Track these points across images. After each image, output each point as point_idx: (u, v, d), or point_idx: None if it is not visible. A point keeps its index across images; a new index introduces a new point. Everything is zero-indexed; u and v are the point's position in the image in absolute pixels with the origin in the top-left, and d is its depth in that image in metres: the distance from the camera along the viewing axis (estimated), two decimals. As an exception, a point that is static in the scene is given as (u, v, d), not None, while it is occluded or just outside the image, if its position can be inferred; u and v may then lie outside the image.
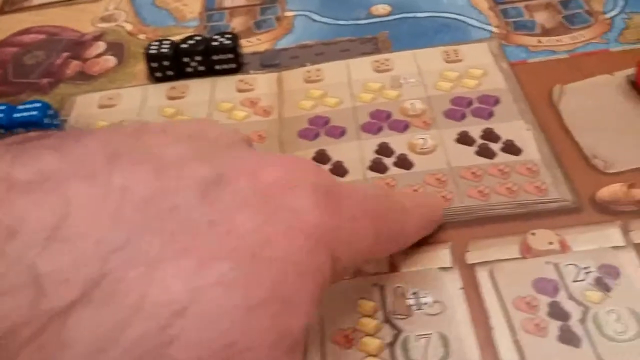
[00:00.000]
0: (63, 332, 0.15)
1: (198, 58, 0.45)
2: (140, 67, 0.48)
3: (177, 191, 0.18)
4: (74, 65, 0.49)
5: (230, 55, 0.45)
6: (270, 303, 0.17)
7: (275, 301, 0.18)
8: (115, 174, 0.18)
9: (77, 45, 0.52)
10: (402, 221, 0.26)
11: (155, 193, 0.18)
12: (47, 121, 0.41)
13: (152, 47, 0.45)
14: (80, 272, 0.15)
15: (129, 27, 0.54)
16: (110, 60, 0.50)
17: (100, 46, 0.51)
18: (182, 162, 0.19)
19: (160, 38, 0.48)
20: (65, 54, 0.51)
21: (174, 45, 0.45)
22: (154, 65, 0.45)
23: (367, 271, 0.30)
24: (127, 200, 0.17)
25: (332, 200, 0.21)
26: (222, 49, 0.45)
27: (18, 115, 0.40)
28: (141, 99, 0.44)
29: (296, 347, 0.18)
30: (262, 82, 0.45)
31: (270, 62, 0.47)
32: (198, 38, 0.46)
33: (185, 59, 0.45)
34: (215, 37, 0.45)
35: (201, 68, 0.46)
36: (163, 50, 0.45)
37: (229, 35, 0.45)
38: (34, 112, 0.40)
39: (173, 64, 0.45)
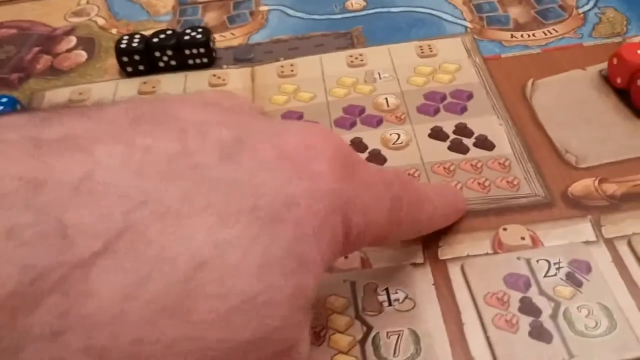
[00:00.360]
0: (87, 281, 0.15)
1: (169, 52, 0.44)
2: (111, 62, 0.47)
3: (199, 151, 0.18)
4: (45, 60, 0.48)
5: (202, 50, 0.44)
6: (286, 261, 0.18)
7: (291, 259, 0.18)
8: (138, 135, 0.18)
9: (48, 40, 0.51)
10: (420, 205, 0.26)
11: (178, 152, 0.18)
12: (13, 117, 0.40)
13: (122, 42, 0.44)
14: (104, 225, 0.16)
15: (100, 21, 0.52)
16: (81, 55, 0.48)
17: (72, 41, 0.50)
18: (203, 125, 0.19)
19: (132, 32, 0.47)
20: (35, 49, 0.50)
21: (145, 40, 0.44)
22: (125, 59, 0.44)
23: (339, 267, 0.30)
24: (150, 158, 0.18)
25: (349, 168, 0.21)
26: (194, 43, 0.44)
27: (-17, 110, 0.39)
28: (112, 94, 0.44)
29: (308, 305, 0.19)
30: (235, 77, 0.44)
31: (243, 56, 0.46)
32: (169, 32, 0.45)
33: (157, 54, 0.44)
34: (187, 31, 0.45)
35: (173, 62, 0.45)
36: (134, 44, 0.44)
37: (200, 30, 0.45)
38: (1, 108, 0.39)
39: (144, 58, 0.44)
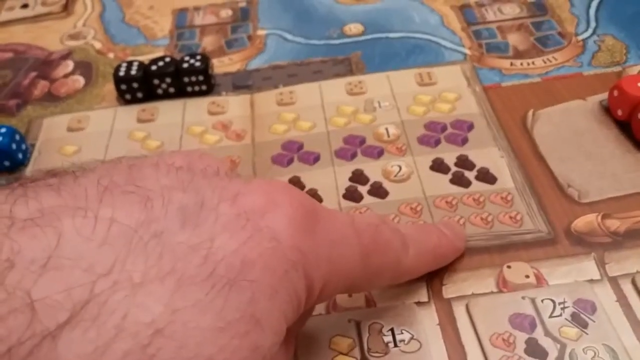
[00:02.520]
0: (54, 351, 0.17)
1: (168, 80, 0.44)
2: (109, 88, 0.47)
3: (162, 218, 0.20)
4: (42, 86, 0.48)
5: (200, 77, 0.44)
6: (242, 323, 0.19)
7: (247, 321, 0.19)
8: (105, 207, 0.19)
9: (45, 65, 0.50)
10: (398, 253, 0.26)
11: (141, 221, 0.19)
12: (14, 147, 0.39)
13: (120, 69, 0.44)
14: (69, 298, 0.17)
15: (97, 45, 0.52)
16: (79, 81, 0.48)
17: (69, 65, 0.50)
18: (169, 191, 0.21)
19: (130, 59, 0.47)
20: (32, 74, 0.49)
21: (143, 67, 0.44)
22: (123, 87, 0.44)
23: (343, 305, 0.30)
24: (115, 230, 0.19)
25: (310, 224, 0.22)
26: (192, 70, 0.44)
27: (-18, 141, 0.38)
28: (111, 122, 0.43)
29: None
30: (234, 105, 0.44)
31: (242, 83, 0.46)
32: (167, 59, 0.44)
33: (156, 81, 0.44)
34: (186, 58, 0.44)
35: (171, 90, 0.45)
36: (132, 72, 0.44)
37: (199, 57, 0.44)
38: (0, 138, 0.38)
39: (142, 85, 0.44)
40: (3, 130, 0.39)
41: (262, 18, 0.53)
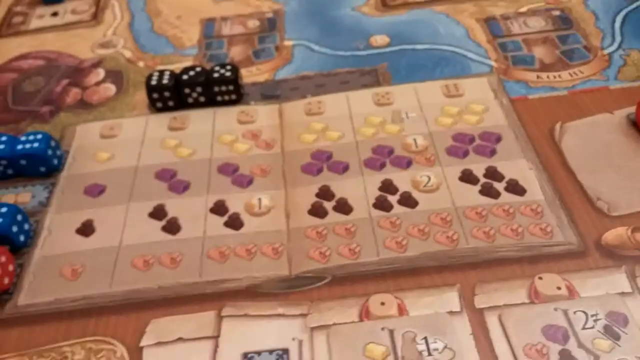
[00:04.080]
0: None
1: (199, 89, 0.45)
2: (140, 96, 0.48)
3: None
4: (74, 93, 0.49)
5: (230, 87, 0.45)
6: None
7: None
8: None
9: (76, 72, 0.51)
10: None
11: None
12: (50, 153, 0.40)
13: (153, 78, 0.45)
14: None
15: (127, 54, 0.53)
16: (110, 89, 0.49)
17: (100, 73, 0.51)
18: None
19: (161, 68, 0.48)
20: (64, 81, 0.50)
21: (175, 76, 0.45)
22: (155, 96, 0.45)
23: (375, 314, 0.30)
24: None
25: None
26: (222, 80, 0.45)
27: (20, 147, 0.39)
28: (143, 130, 0.44)
29: None
30: (263, 114, 0.45)
31: (270, 93, 0.47)
32: (198, 69, 0.45)
33: (187, 90, 0.45)
34: (216, 68, 0.45)
35: (202, 99, 0.45)
36: (164, 81, 0.45)
37: (229, 67, 0.45)
38: (36, 144, 0.39)
39: (174, 94, 0.45)
40: (39, 136, 0.40)
41: (289, 29, 0.54)
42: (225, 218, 0.37)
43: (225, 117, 0.45)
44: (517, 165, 0.38)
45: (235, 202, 0.38)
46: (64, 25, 0.59)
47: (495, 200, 0.35)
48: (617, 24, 0.50)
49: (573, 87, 0.44)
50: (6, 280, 0.33)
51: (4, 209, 0.35)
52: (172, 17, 0.58)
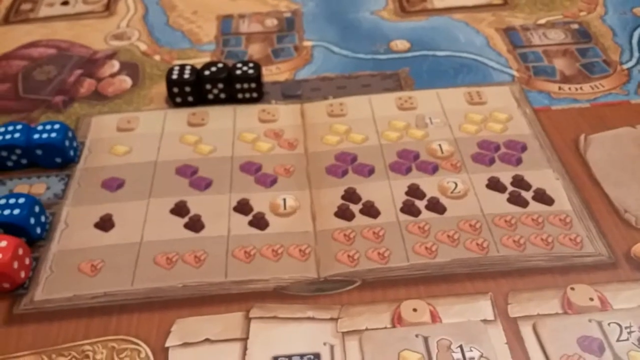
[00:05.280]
0: None
1: (220, 86, 0.44)
2: (156, 90, 0.47)
3: None
4: (88, 84, 0.48)
5: (252, 85, 0.44)
6: None
7: None
8: None
9: (90, 63, 0.50)
10: None
11: None
12: (67, 144, 0.39)
13: (173, 72, 0.44)
14: None
15: (143, 46, 0.52)
16: (126, 81, 0.48)
17: (114, 65, 0.50)
18: None
19: (179, 63, 0.47)
20: (77, 71, 0.49)
21: (196, 72, 0.44)
22: (175, 90, 0.44)
23: (409, 320, 0.30)
24: None
25: None
26: (245, 78, 0.44)
27: (37, 136, 0.38)
28: (161, 124, 0.43)
29: None
30: (284, 113, 0.44)
31: (291, 92, 0.47)
32: (220, 65, 0.45)
33: (208, 86, 0.44)
34: (239, 65, 0.45)
35: (222, 96, 0.45)
36: (185, 76, 0.44)
37: (252, 64, 0.45)
38: (54, 134, 0.38)
39: (194, 90, 0.44)
40: (57, 126, 0.39)
41: (308, 29, 0.54)
42: (249, 217, 0.36)
43: (246, 115, 0.44)
44: (543, 174, 0.38)
45: (260, 202, 0.37)
46: (75, 14, 0.58)
47: (524, 209, 0.35)
48: (635, 40, 0.50)
49: (595, 100, 0.44)
50: (22, 274, 0.32)
51: (21, 200, 0.33)
52: (187, 12, 0.57)
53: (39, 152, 0.38)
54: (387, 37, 0.53)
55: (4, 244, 0.31)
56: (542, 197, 0.36)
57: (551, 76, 0.47)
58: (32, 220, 0.34)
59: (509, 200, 0.36)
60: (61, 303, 0.31)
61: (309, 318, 0.30)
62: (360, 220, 0.35)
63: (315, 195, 0.37)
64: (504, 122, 0.42)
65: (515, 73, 0.47)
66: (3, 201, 0.33)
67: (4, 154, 0.38)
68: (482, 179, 0.38)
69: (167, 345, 0.29)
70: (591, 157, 0.39)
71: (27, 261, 0.32)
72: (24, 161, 0.39)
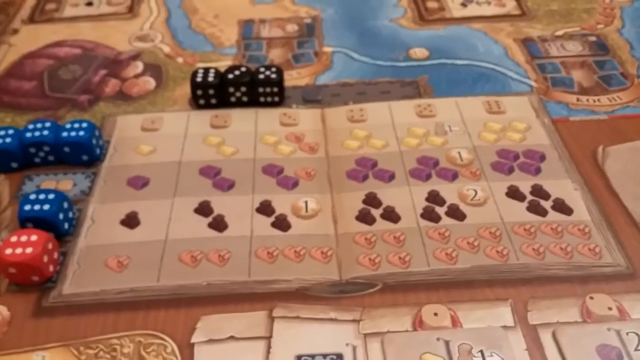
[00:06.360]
0: None
1: (243, 89, 0.45)
2: (180, 92, 0.48)
3: None
4: (113, 84, 0.49)
5: (275, 89, 0.45)
6: None
7: None
8: None
9: (114, 64, 0.51)
10: None
11: None
12: (94, 142, 0.40)
13: (198, 75, 0.45)
14: None
15: (166, 49, 0.53)
16: (150, 82, 0.49)
17: (138, 66, 0.51)
18: None
19: (203, 66, 0.48)
20: (102, 71, 0.50)
21: (220, 75, 0.45)
22: (199, 92, 0.45)
23: (429, 324, 0.30)
24: None
25: None
26: (268, 82, 0.45)
27: (65, 134, 0.39)
28: (184, 125, 0.44)
29: None
30: (305, 118, 0.45)
31: (312, 97, 0.47)
32: (243, 69, 0.45)
33: (231, 89, 0.45)
34: (261, 69, 0.45)
35: (245, 99, 0.45)
36: (209, 78, 0.45)
37: (274, 69, 0.45)
38: (82, 133, 0.39)
39: (218, 92, 0.45)
40: (85, 125, 0.40)
41: (327, 36, 0.55)
42: (272, 219, 0.37)
43: (267, 118, 0.45)
44: (562, 184, 0.38)
45: (281, 204, 0.38)
46: (99, 15, 0.59)
47: (543, 218, 0.36)
48: (652, 54, 0.51)
49: (613, 112, 0.44)
50: (51, 268, 0.33)
51: (51, 196, 0.34)
52: (209, 16, 0.58)
53: (66, 149, 0.39)
54: (405, 44, 0.53)
55: (34, 238, 0.32)
56: (561, 207, 0.36)
57: (569, 87, 0.47)
58: (61, 216, 0.34)
59: (528, 209, 0.36)
60: (89, 297, 0.32)
61: (331, 319, 0.31)
62: (381, 224, 0.36)
63: (337, 199, 0.38)
64: (522, 132, 0.42)
65: (533, 83, 0.47)
66: (33, 196, 0.34)
67: (33, 150, 0.39)
68: (501, 187, 0.38)
69: (192, 341, 0.30)
70: (609, 168, 0.39)
71: (55, 255, 0.33)
72: (51, 158, 0.40)
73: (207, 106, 0.45)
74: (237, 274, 0.33)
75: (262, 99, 0.46)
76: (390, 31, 0.55)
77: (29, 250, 0.31)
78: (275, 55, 0.52)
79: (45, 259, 0.32)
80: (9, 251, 0.31)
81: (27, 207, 0.33)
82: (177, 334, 0.30)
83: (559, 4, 0.57)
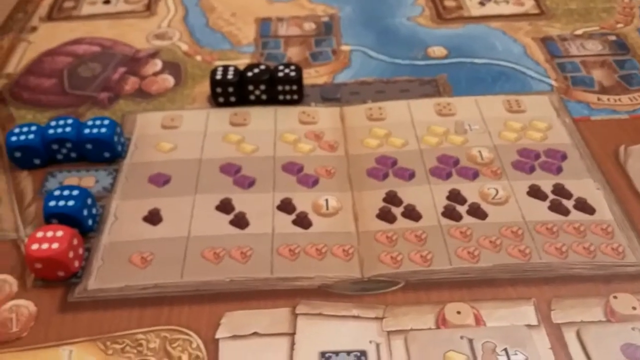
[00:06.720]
0: None
1: (262, 87, 0.45)
2: (198, 89, 0.48)
3: None
4: (132, 82, 0.49)
5: (294, 87, 0.45)
6: None
7: None
8: None
9: (133, 61, 0.51)
10: None
11: None
12: (115, 139, 0.40)
13: (217, 73, 0.45)
14: None
15: (184, 47, 0.53)
16: (168, 80, 0.49)
17: (157, 64, 0.51)
18: None
19: (222, 64, 0.48)
20: (121, 69, 0.50)
21: (240, 73, 0.45)
22: (219, 90, 0.45)
23: (452, 322, 0.30)
24: None
25: None
26: (287, 80, 0.45)
27: (87, 131, 0.39)
28: (204, 123, 0.44)
29: None
30: (324, 116, 0.45)
31: (330, 95, 0.47)
32: (263, 67, 0.46)
33: (250, 87, 0.45)
34: (280, 67, 0.46)
35: (264, 97, 0.46)
36: (228, 76, 0.45)
37: (293, 67, 0.46)
38: (104, 130, 0.39)
39: (237, 90, 0.45)
40: (106, 122, 0.40)
41: (345, 34, 0.55)
42: (293, 216, 0.37)
43: (286, 116, 0.45)
44: (584, 184, 0.38)
45: (302, 201, 0.38)
46: (117, 13, 0.59)
47: (565, 217, 0.36)
48: (672, 53, 0.50)
49: (634, 112, 0.44)
50: (76, 263, 0.33)
51: (75, 192, 0.34)
52: (226, 14, 0.58)
53: (88, 146, 0.39)
54: (424, 43, 0.53)
55: (60, 233, 0.32)
56: (584, 206, 0.36)
57: (589, 87, 0.47)
58: (85, 212, 0.35)
59: (550, 208, 0.36)
60: (113, 293, 0.32)
61: (354, 316, 0.31)
62: (402, 223, 0.36)
63: (357, 197, 0.38)
64: (543, 131, 0.42)
65: (553, 83, 0.47)
66: (57, 192, 0.34)
67: (55, 147, 0.39)
68: (522, 186, 0.38)
69: (217, 337, 0.30)
70: (631, 168, 0.39)
71: (80, 251, 0.33)
72: (73, 155, 0.40)
73: (226, 104, 0.46)
74: (259, 271, 0.34)
75: (281, 97, 0.46)
76: (408, 30, 0.55)
77: (55, 245, 0.31)
78: (293, 53, 0.53)
79: (71, 254, 0.32)
80: (35, 246, 0.31)
81: (52, 203, 0.33)
82: (201, 330, 0.30)
83: (578, 3, 0.57)
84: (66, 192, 0.34)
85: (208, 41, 0.54)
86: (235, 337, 0.30)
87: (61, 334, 0.30)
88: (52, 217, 0.34)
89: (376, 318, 0.31)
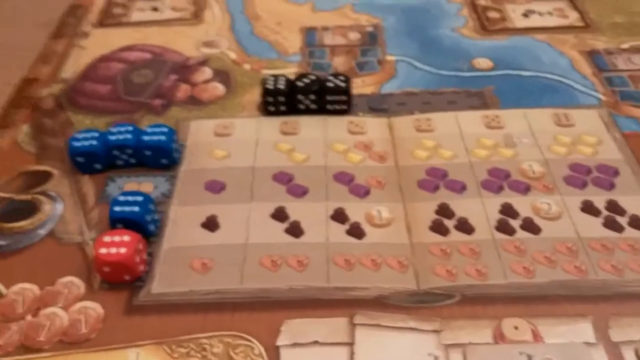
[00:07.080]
0: None
1: (312, 97, 0.46)
2: (248, 98, 0.49)
3: None
4: (184, 89, 0.50)
5: (343, 97, 0.46)
6: None
7: None
8: None
9: (183, 69, 0.53)
10: None
11: None
12: (173, 146, 0.41)
13: (268, 82, 0.46)
14: None
15: (232, 55, 0.54)
16: (219, 88, 0.50)
17: (207, 72, 0.52)
18: None
19: (272, 73, 0.49)
20: (173, 76, 0.52)
21: (290, 82, 0.46)
22: (270, 99, 0.46)
23: (511, 338, 0.30)
24: None
25: None
26: (336, 90, 0.46)
27: (147, 138, 0.40)
28: (255, 131, 0.45)
29: None
30: (372, 126, 0.45)
31: (378, 106, 0.48)
32: (312, 77, 0.46)
33: (300, 97, 0.46)
34: (330, 77, 0.46)
35: (313, 107, 0.46)
36: (279, 86, 0.46)
37: (342, 77, 0.46)
38: (162, 137, 0.40)
39: (287, 100, 0.46)
40: (165, 129, 0.41)
41: (389, 44, 0.55)
42: (346, 226, 0.37)
43: (335, 126, 0.45)
44: (638, 201, 0.38)
45: (355, 212, 0.38)
46: (165, 20, 0.60)
47: (620, 234, 0.36)
48: None
49: (685, 128, 0.44)
50: (141, 268, 0.34)
51: (139, 198, 0.35)
52: (271, 23, 0.59)
53: (147, 152, 0.41)
54: (468, 54, 0.54)
55: (126, 238, 0.33)
56: (638, 224, 0.36)
57: (639, 102, 0.47)
58: (148, 218, 0.36)
59: (604, 224, 0.36)
60: (177, 297, 0.33)
61: (411, 328, 0.31)
62: (456, 235, 0.36)
63: (409, 208, 0.38)
64: (594, 146, 0.42)
65: (601, 97, 0.47)
66: (122, 198, 0.35)
67: (116, 153, 0.41)
68: (575, 201, 0.38)
69: (278, 344, 0.31)
70: (685, 186, 0.39)
71: (144, 255, 0.34)
72: (132, 161, 0.41)
73: (276, 113, 0.47)
74: (316, 280, 0.34)
75: (329, 107, 0.46)
76: (452, 40, 0.56)
77: (122, 250, 0.32)
78: (339, 62, 0.53)
79: (137, 258, 0.33)
80: (103, 251, 0.32)
81: (118, 209, 0.35)
82: (261, 336, 0.31)
83: (623, 17, 0.57)
84: (130, 198, 0.35)
85: (255, 50, 0.55)
86: (295, 344, 0.31)
87: (128, 336, 0.31)
88: (117, 221, 0.35)
89: (433, 331, 0.31)
